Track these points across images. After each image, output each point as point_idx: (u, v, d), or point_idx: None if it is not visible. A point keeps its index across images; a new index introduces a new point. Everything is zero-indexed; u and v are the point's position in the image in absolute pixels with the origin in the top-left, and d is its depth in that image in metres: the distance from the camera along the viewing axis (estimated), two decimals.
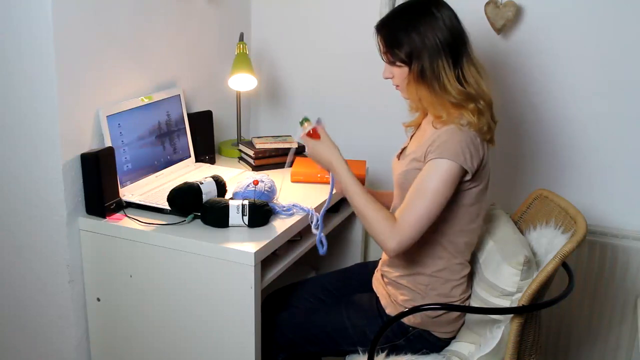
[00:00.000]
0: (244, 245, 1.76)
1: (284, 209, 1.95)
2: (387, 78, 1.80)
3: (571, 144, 2.34)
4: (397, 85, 1.80)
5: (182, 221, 1.87)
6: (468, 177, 1.70)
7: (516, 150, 2.39)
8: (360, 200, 1.74)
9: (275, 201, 1.99)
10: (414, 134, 1.92)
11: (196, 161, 2.31)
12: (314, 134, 1.83)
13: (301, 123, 1.84)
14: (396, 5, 2.28)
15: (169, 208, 1.89)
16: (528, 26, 2.28)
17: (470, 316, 1.83)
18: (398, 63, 1.74)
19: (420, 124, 1.90)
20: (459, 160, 1.66)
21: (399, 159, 1.89)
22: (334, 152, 1.81)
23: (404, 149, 1.91)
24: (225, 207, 1.83)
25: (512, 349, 1.68)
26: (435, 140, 1.70)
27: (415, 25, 1.70)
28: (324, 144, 1.82)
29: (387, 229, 1.69)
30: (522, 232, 1.92)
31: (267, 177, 2.01)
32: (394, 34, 1.73)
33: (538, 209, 1.96)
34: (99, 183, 1.87)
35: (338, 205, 2.21)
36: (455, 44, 1.70)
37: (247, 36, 2.55)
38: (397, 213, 1.72)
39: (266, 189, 1.95)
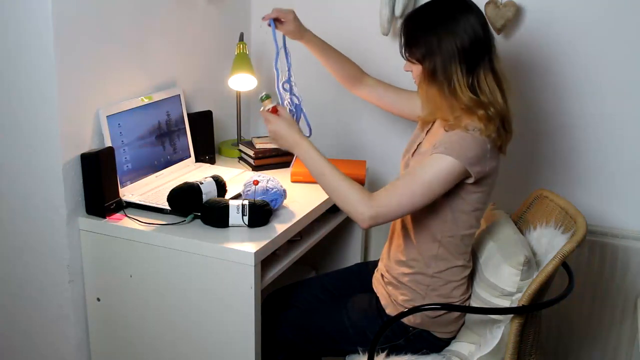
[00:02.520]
0: (244, 245, 1.76)
1: None
2: (407, 71, 1.79)
3: (571, 144, 2.34)
4: (415, 80, 1.78)
5: (182, 221, 1.87)
6: (470, 181, 1.69)
7: (516, 150, 2.38)
8: (330, 173, 1.72)
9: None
10: (429, 129, 1.88)
11: (196, 161, 2.31)
12: (273, 112, 1.82)
13: (261, 99, 1.85)
14: (396, 5, 2.29)
15: (169, 208, 1.89)
16: (528, 26, 2.28)
17: (470, 316, 1.83)
18: (413, 60, 1.73)
19: (435, 121, 1.87)
20: (463, 161, 1.65)
21: (412, 156, 1.86)
22: (296, 130, 1.79)
23: (419, 145, 1.87)
24: (225, 207, 1.83)
25: (512, 349, 1.68)
26: (445, 139, 1.68)
27: (435, 27, 1.68)
28: (285, 122, 1.79)
29: (364, 199, 1.67)
30: (522, 232, 1.92)
31: (273, 178, 2.00)
32: (414, 32, 1.72)
33: (538, 209, 1.96)
34: (99, 183, 1.87)
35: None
36: (474, 52, 1.67)
37: (247, 36, 2.55)
38: (380, 190, 1.70)
39: (268, 187, 1.95)
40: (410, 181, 1.67)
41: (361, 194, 1.69)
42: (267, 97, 1.85)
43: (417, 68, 1.73)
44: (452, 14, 1.68)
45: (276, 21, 2.00)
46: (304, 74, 2.65)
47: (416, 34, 1.72)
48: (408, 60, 1.76)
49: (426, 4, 1.76)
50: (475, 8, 1.71)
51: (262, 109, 1.85)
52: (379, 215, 1.67)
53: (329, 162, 1.75)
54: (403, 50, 1.76)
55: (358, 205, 1.68)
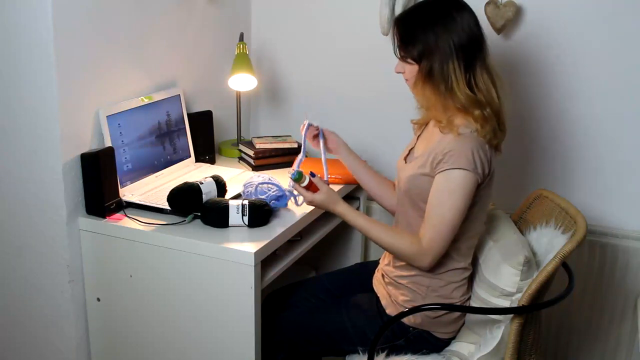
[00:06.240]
0: (244, 245, 1.76)
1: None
2: (398, 72, 1.78)
3: (571, 144, 2.34)
4: (407, 80, 1.78)
5: (182, 221, 1.87)
6: (480, 180, 1.70)
7: (516, 150, 2.39)
8: (377, 234, 1.77)
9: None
10: (420, 133, 1.90)
11: (196, 161, 2.31)
12: (312, 187, 1.83)
13: (296, 179, 1.81)
14: (396, 5, 2.29)
15: (169, 208, 1.89)
16: (528, 26, 2.28)
17: (470, 316, 1.83)
18: (409, 60, 1.73)
19: (427, 123, 1.88)
20: (472, 169, 1.66)
21: (405, 161, 1.87)
22: (331, 202, 1.82)
23: (411, 150, 1.89)
24: (225, 207, 1.83)
25: (512, 349, 1.68)
26: (445, 149, 1.68)
27: (432, 25, 1.68)
28: (323, 195, 1.82)
29: (416, 251, 1.72)
30: (522, 232, 1.92)
31: (270, 178, 2.00)
32: (410, 30, 1.72)
33: (538, 209, 1.96)
34: (99, 183, 1.87)
35: None
36: (470, 49, 1.68)
37: (247, 36, 2.55)
38: (421, 231, 1.72)
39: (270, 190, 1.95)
40: (440, 210, 1.69)
41: (410, 246, 1.73)
42: (300, 176, 1.81)
43: (412, 68, 1.73)
44: (448, 12, 1.69)
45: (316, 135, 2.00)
46: (304, 74, 2.66)
47: (412, 32, 1.71)
48: (402, 59, 1.75)
49: (420, 3, 1.76)
50: (468, 7, 1.72)
51: (295, 185, 1.84)
52: (434, 257, 1.73)
53: (371, 221, 1.80)
54: (398, 50, 1.76)
55: (414, 258, 1.74)
